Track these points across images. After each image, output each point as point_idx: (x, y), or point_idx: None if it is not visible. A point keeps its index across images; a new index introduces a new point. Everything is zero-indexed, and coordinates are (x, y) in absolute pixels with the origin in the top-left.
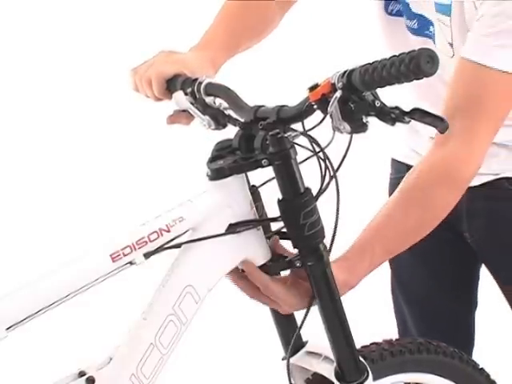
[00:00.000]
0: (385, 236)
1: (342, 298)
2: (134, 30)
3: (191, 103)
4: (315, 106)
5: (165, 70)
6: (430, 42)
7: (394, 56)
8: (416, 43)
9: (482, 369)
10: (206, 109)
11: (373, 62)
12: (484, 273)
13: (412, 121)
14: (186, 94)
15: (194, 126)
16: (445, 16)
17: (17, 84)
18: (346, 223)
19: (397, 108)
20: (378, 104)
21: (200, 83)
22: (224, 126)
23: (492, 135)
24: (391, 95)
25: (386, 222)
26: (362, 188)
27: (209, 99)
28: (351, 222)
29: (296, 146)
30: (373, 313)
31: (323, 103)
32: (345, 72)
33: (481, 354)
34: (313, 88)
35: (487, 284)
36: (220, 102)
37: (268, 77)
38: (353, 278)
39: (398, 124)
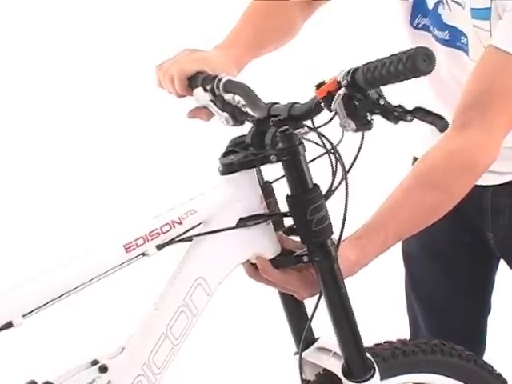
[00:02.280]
0: (399, 217)
1: (357, 295)
2: (154, 28)
3: (211, 100)
4: (322, 104)
5: (187, 67)
6: (461, 53)
7: (394, 55)
8: (445, 54)
9: (499, 374)
10: (224, 106)
11: (375, 61)
12: (498, 280)
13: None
14: (205, 90)
15: (209, 122)
16: (483, 21)
17: (22, 82)
18: (359, 219)
19: (400, 106)
20: (382, 102)
21: (219, 80)
22: (242, 123)
23: (511, 125)
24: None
25: (400, 204)
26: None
27: (228, 96)
28: (364, 217)
29: (312, 144)
30: (390, 313)
31: (329, 100)
32: (350, 70)
33: (495, 360)
34: (319, 85)
35: (500, 290)
36: (239, 99)
37: (291, 76)
38: (364, 256)
39: (401, 122)
